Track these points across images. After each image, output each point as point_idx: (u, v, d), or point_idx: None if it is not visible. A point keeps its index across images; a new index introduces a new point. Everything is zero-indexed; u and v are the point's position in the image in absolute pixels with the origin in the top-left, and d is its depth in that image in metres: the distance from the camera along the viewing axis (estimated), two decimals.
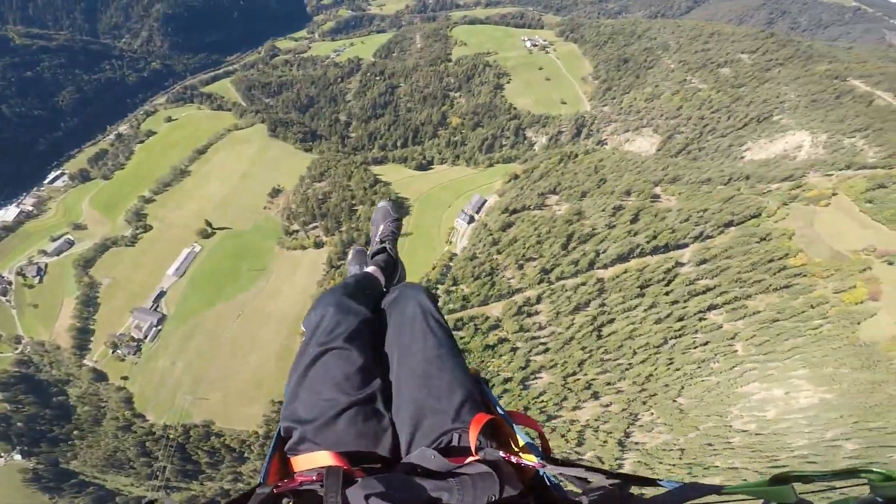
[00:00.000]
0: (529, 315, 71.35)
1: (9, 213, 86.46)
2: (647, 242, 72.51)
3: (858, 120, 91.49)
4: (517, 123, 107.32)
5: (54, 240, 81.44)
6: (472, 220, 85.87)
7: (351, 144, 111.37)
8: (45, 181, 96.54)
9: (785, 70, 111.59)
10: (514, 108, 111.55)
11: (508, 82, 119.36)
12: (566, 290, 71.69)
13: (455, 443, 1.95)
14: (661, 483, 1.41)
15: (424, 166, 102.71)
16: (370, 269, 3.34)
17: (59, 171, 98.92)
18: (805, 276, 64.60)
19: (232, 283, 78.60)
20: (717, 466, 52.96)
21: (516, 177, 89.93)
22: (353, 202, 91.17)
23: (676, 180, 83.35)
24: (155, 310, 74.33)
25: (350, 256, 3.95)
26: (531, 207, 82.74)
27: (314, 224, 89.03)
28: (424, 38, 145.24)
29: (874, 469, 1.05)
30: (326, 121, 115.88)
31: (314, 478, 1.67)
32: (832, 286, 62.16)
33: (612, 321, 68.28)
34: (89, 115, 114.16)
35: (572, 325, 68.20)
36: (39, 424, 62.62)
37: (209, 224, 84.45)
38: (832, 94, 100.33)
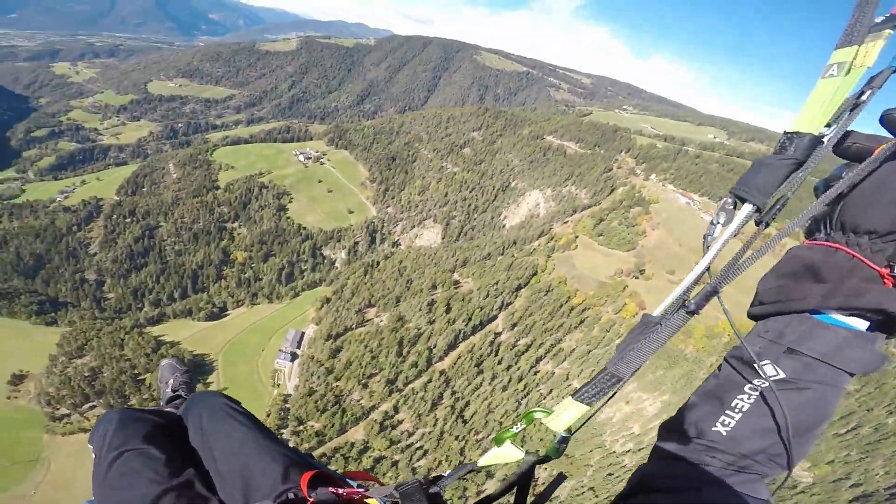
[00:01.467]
0: (394, 427, 68.31)
1: None
2: (466, 325, 77.99)
3: (564, 170, 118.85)
4: (311, 244, 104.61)
5: None
6: (294, 356, 78.90)
7: (111, 307, 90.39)
8: None
9: (504, 139, 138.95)
10: (304, 228, 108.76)
11: (290, 201, 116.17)
12: (417, 392, 71.53)
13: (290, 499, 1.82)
14: (443, 475, 1.67)
15: (216, 315, 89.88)
16: (167, 409, 2.84)
17: None
18: (588, 308, 78.41)
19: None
20: None
21: (328, 300, 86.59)
22: (136, 371, 73.25)
23: (466, 263, 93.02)
24: None
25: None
26: (353, 327, 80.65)
27: (91, 403, 69.10)
28: (180, 166, 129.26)
29: (538, 409, 1.38)
30: (68, 283, 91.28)
31: None
32: (611, 309, 76.83)
33: (468, 404, 70.70)
34: None
35: (437, 420, 67.93)
36: None
37: None
38: (540, 152, 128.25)
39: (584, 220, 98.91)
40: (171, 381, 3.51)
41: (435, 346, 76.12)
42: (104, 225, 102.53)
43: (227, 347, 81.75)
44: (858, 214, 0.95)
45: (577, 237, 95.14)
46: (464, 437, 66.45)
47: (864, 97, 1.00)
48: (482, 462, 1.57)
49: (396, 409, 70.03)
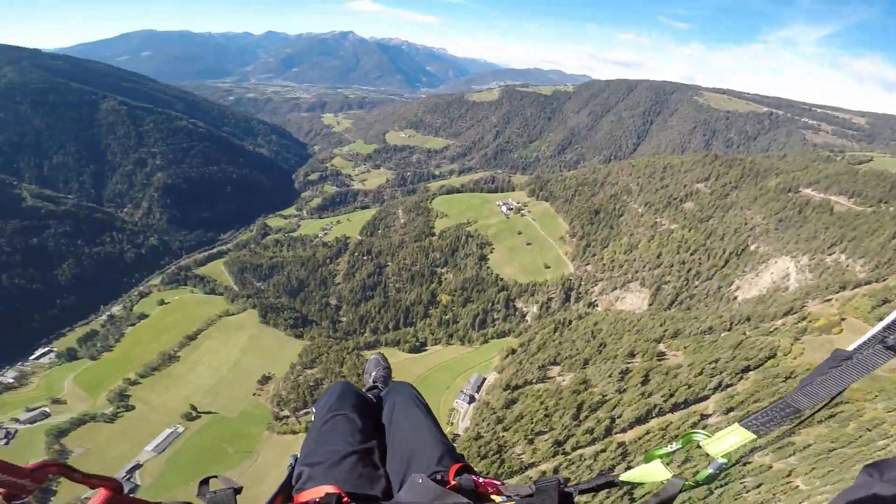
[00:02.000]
0: None
1: None
2: (665, 401, 70.28)
3: (830, 233, 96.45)
4: (506, 295, 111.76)
5: (29, 410, 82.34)
6: (472, 399, 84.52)
7: (342, 329, 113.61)
8: (31, 357, 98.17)
9: (741, 192, 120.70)
10: (501, 279, 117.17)
11: (492, 251, 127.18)
12: (585, 459, 67.23)
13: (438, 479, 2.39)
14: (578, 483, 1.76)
15: (418, 348, 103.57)
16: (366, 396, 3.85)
17: (46, 349, 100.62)
18: (847, 402, 61.51)
19: (215, 464, 75.57)
20: None
21: (513, 351, 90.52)
22: None
23: (678, 334, 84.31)
24: (127, 480, 71.29)
25: None
26: (533, 381, 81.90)
27: (306, 410, 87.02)
28: (407, 212, 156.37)
29: (698, 431, 1.32)
30: (317, 305, 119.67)
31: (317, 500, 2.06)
32: (881, 406, 58.80)
33: (642, 484, 62.44)
34: (85, 294, 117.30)
35: (597, 494, 62.34)
36: None
37: (194, 408, 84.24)
38: (793, 209, 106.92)
39: (857, 300, 78.57)
40: (373, 373, 4.58)
41: (619, 417, 70.73)
42: (348, 260, 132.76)
43: (420, 380, 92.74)
44: None
45: (843, 319, 76.02)
46: None
47: None
48: (624, 477, 1.66)
49: (556, 471, 66.45)
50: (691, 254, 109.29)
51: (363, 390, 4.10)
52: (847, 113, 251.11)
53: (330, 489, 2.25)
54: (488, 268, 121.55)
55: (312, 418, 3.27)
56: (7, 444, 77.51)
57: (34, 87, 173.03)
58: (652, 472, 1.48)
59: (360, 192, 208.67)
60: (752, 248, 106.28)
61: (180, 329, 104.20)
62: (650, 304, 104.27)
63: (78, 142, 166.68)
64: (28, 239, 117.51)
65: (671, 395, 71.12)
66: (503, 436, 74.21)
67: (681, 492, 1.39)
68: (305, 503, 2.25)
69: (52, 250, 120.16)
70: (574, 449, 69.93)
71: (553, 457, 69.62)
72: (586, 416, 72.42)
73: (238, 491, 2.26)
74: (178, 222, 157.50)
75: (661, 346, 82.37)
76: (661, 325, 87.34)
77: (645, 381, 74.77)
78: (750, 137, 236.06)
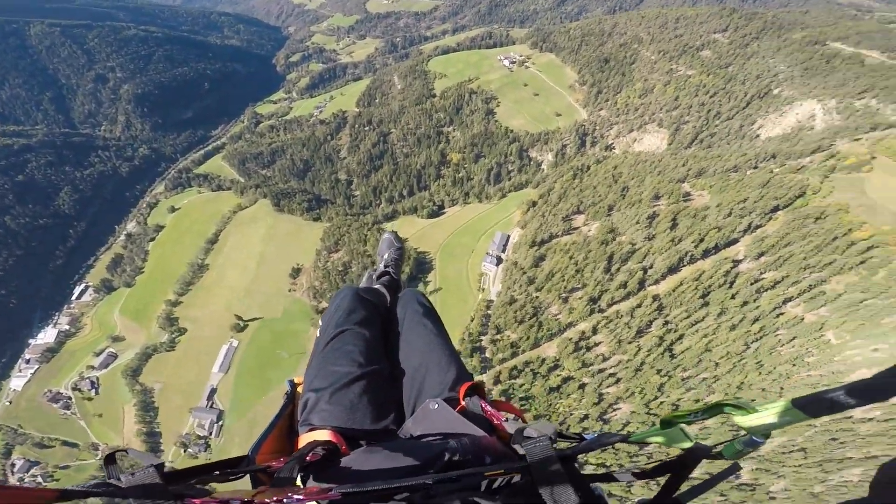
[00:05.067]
0: (588, 349, 63.98)
1: (48, 335, 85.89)
2: (695, 247, 65.38)
3: (861, 81, 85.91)
4: (518, 146, 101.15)
5: (97, 354, 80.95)
6: (499, 261, 79.06)
7: (358, 204, 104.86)
8: (73, 297, 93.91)
9: (763, 43, 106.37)
10: (511, 131, 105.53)
11: (498, 105, 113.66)
12: (622, 316, 64.39)
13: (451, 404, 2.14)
14: (584, 436, 1.61)
15: (436, 212, 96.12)
16: (376, 286, 3.36)
17: (83, 285, 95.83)
18: (877, 247, 57.19)
19: (275, 370, 74.35)
20: (850, 458, 44.73)
21: (534, 204, 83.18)
22: (377, 267, 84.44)
23: (702, 173, 76.83)
24: (211, 407, 72.66)
25: (364, 279, 3.85)
26: (559, 234, 76.02)
27: None
28: (403, 77, 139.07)
29: (731, 402, 1.11)
30: (327, 183, 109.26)
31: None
32: None
33: (681, 338, 60.77)
34: (94, 216, 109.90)
35: (639, 350, 60.78)
36: None
37: (240, 318, 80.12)
38: (821, 59, 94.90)
39: (889, 140, 70.63)
40: (385, 256, 3.86)
41: (651, 267, 66.35)
42: (349, 133, 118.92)
43: (444, 246, 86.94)
44: None
45: (873, 157, 68.81)
46: (667, 372, 58.00)
47: None
48: (637, 436, 1.39)
49: (595, 331, 64.52)
50: (710, 96, 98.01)
51: (374, 279, 3.59)
52: None
53: (326, 436, 1.87)
54: (496, 121, 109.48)
55: (318, 332, 2.64)
56: (97, 393, 75.96)
57: None
58: (671, 437, 1.28)
59: (349, 64, 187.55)
60: (776, 91, 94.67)
61: (199, 232, 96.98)
62: (669, 144, 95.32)
63: (21, 72, 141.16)
64: (13, 178, 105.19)
65: (701, 240, 65.70)
66: (536, 296, 70.11)
67: (701, 459, 1.23)
68: (308, 449, 1.78)
69: (42, 183, 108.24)
70: (609, 305, 66.25)
71: (590, 315, 66.20)
72: (618, 269, 67.71)
73: (160, 467, 1.41)
74: (162, 128, 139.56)
75: (686, 186, 75.32)
76: (683, 165, 79.41)
77: (673, 225, 68.84)
78: None
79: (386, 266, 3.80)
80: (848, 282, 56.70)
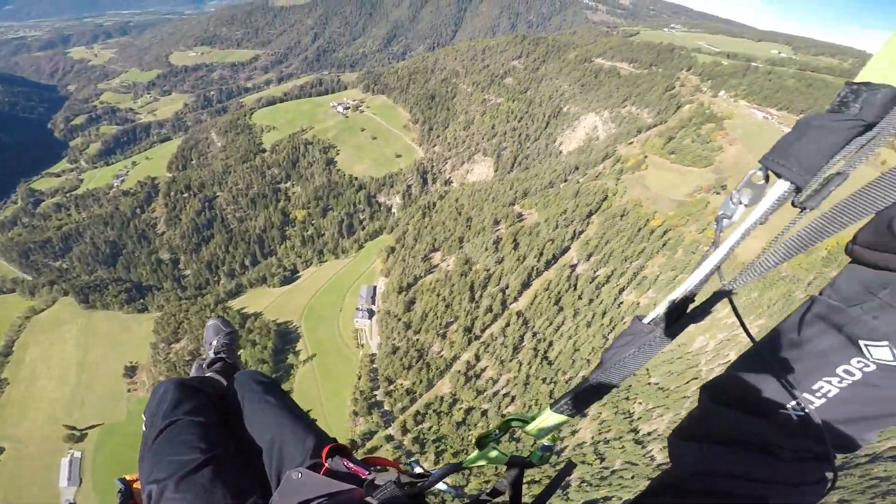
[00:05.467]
0: (477, 376, 66.76)
1: None
2: (538, 260, 73.27)
3: (621, 91, 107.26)
4: (366, 193, 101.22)
5: None
6: (371, 313, 77.71)
7: (192, 284, 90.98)
8: None
9: (549, 65, 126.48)
10: (356, 179, 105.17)
11: (338, 154, 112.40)
12: (496, 338, 68.80)
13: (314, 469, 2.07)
14: (430, 473, 1.67)
15: (289, 278, 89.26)
16: (208, 374, 3.13)
17: None
18: (670, 230, 71.36)
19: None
20: None
21: (392, 250, 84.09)
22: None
23: (527, 193, 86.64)
24: None
25: (193, 370, 3.47)
26: (422, 275, 78.14)
27: None
28: (223, 134, 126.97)
29: (515, 416, 1.26)
30: (147, 266, 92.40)
31: None
32: (694, 228, 69.55)
33: (551, 345, 67.12)
34: None
35: (521, 365, 65.36)
36: None
37: (73, 428, 67.54)
38: (591, 75, 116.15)
39: (651, 140, 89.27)
40: (214, 343, 3.47)
41: (508, 287, 72.36)
42: (165, 203, 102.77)
43: (307, 311, 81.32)
44: None
45: (646, 157, 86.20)
46: (551, 379, 63.59)
47: None
48: (468, 462, 1.57)
49: (478, 358, 67.77)
50: (518, 120, 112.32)
51: (205, 369, 3.22)
52: None
53: None
54: (338, 170, 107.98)
55: (143, 428, 2.37)
56: None
57: None
58: (490, 457, 1.46)
59: (153, 124, 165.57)
60: (565, 109, 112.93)
61: None
62: (496, 171, 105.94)
63: None
64: None
65: (541, 254, 73.54)
66: (417, 339, 70.30)
67: (523, 469, 1.38)
68: None
69: None
70: (483, 330, 69.70)
71: (469, 345, 68.67)
72: (480, 296, 71.73)
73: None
74: None
75: (517, 208, 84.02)
76: (510, 189, 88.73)
77: (516, 245, 75.85)
78: (545, 18, 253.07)
79: (217, 353, 3.41)
80: (660, 263, 69.57)
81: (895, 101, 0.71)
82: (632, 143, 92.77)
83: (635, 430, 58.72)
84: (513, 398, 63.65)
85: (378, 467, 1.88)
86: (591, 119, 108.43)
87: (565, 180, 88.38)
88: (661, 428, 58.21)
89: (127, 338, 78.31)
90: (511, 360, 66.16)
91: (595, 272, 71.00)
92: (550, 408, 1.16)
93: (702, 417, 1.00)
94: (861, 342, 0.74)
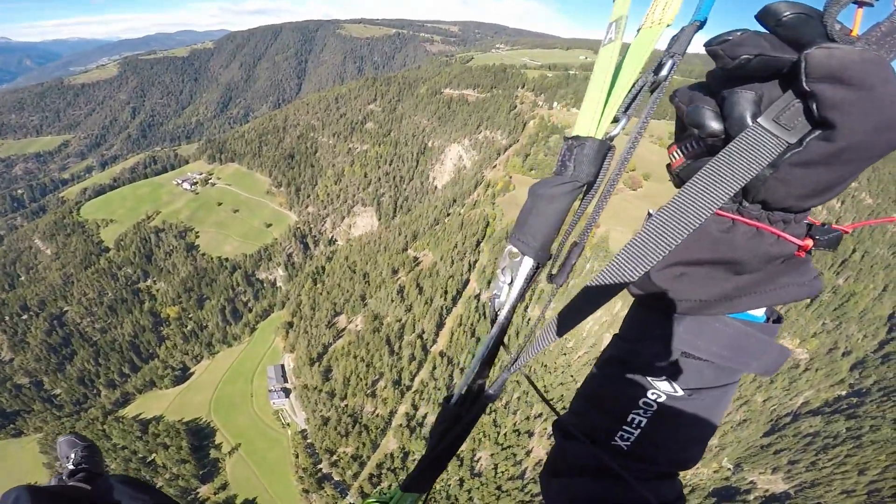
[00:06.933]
0: (420, 425, 65.24)
1: None
2: (444, 299, 74.21)
3: (473, 118, 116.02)
4: (242, 273, 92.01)
5: None
6: (287, 392, 72.23)
7: (68, 402, 76.48)
8: None
9: (404, 103, 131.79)
10: (227, 260, 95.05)
11: (197, 237, 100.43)
12: (427, 384, 68.14)
13: None
14: None
15: (182, 377, 78.73)
16: (71, 483, 2.82)
17: None
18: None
19: None
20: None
21: (290, 325, 77.69)
22: (142, 456, 65.13)
23: (417, 236, 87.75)
24: None
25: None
26: (331, 342, 73.88)
27: None
28: (48, 238, 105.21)
29: (375, 499, 1.27)
30: (5, 394, 75.60)
31: None
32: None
33: None
34: None
35: None
36: None
37: None
38: (444, 106, 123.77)
39: (511, 160, 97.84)
40: (71, 456, 3.27)
41: (424, 332, 72.16)
42: (2, 330, 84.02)
43: (214, 405, 73.58)
44: (804, 187, 0.63)
45: (510, 177, 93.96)
46: (491, 409, 64.38)
47: (664, 71, 0.70)
48: None
49: (416, 407, 66.62)
50: (389, 164, 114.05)
51: (66, 480, 2.88)
52: (446, 23, 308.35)
53: None
54: (203, 254, 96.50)
55: None
56: None
57: None
58: None
59: None
60: (430, 144, 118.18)
61: None
62: (380, 219, 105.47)
63: None
64: None
65: (446, 292, 74.77)
66: (346, 405, 66.28)
67: None
68: None
69: None
70: (412, 379, 68.14)
71: (402, 397, 67.10)
72: (399, 347, 70.21)
73: None
74: None
75: (412, 252, 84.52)
76: (399, 235, 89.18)
77: (420, 290, 75.97)
78: (389, 57, 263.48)
79: (78, 465, 3.02)
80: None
81: (602, 152, 0.71)
82: (495, 166, 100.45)
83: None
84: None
85: None
86: (455, 149, 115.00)
87: (448, 214, 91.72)
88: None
89: (12, 463, 67.19)
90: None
91: None
92: (400, 488, 1.19)
93: (558, 453, 1.04)
94: (648, 378, 0.79)
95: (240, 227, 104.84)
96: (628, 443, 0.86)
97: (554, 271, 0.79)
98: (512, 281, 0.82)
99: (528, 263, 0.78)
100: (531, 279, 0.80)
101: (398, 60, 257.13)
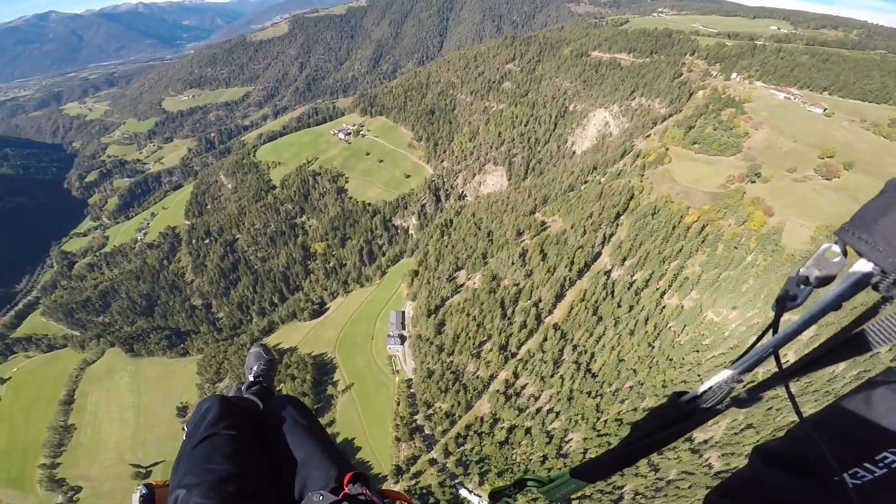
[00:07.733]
0: (518, 394, 64.53)
1: None
2: (569, 270, 70.72)
3: (626, 84, 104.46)
4: (381, 218, 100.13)
5: None
6: (403, 339, 76.67)
7: (226, 326, 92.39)
8: None
9: (545, 64, 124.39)
10: (370, 205, 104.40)
11: (347, 182, 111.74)
12: (534, 354, 66.38)
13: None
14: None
15: (318, 311, 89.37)
16: (247, 395, 3.32)
17: None
18: (707, 224, 68.06)
19: None
20: (793, 421, 50.21)
21: (416, 273, 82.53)
22: (276, 382, 75.17)
23: (547, 200, 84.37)
24: None
25: (231, 391, 3.63)
26: (449, 296, 76.35)
27: None
28: (231, 175, 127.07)
29: (530, 477, 1.25)
30: (182, 314, 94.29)
31: None
32: (733, 221, 66.27)
33: (593, 357, 64.33)
34: None
35: (563, 380, 62.70)
36: None
37: (139, 466, 71.72)
38: (591, 70, 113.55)
39: (670, 131, 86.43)
40: (254, 368, 3.77)
41: (541, 301, 69.94)
42: (188, 252, 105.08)
43: (340, 342, 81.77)
44: None
45: (667, 149, 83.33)
46: (597, 392, 60.88)
47: None
48: None
49: (517, 375, 65.48)
50: (525, 125, 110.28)
51: (244, 391, 3.47)
52: None
53: None
54: (351, 198, 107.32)
55: (183, 437, 2.58)
56: None
57: None
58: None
59: (163, 172, 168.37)
60: (571, 108, 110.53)
61: (47, 397, 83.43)
62: (510, 179, 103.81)
63: None
64: None
65: (571, 262, 71.03)
66: (451, 361, 68.70)
67: None
68: None
69: None
70: (519, 347, 67.60)
71: (505, 363, 66.63)
72: (513, 312, 69.60)
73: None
74: None
75: (539, 216, 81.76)
76: (528, 197, 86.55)
77: (543, 256, 73.48)
78: (529, 16, 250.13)
79: (256, 377, 3.64)
80: (700, 262, 66.17)
81: None
82: (649, 136, 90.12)
83: (690, 439, 55.63)
84: (557, 414, 61.23)
85: (391, 500, 2.02)
86: (601, 115, 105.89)
87: (585, 182, 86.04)
88: (718, 435, 55.09)
89: (174, 380, 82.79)
90: (552, 376, 63.69)
91: (632, 277, 68.21)
92: (570, 473, 1.15)
93: (750, 478, 0.97)
94: None
95: (383, 175, 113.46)
96: (859, 481, 0.76)
97: (887, 285, 0.66)
98: (820, 284, 0.72)
99: (863, 268, 0.67)
100: (860, 286, 0.68)
101: (539, 20, 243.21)
